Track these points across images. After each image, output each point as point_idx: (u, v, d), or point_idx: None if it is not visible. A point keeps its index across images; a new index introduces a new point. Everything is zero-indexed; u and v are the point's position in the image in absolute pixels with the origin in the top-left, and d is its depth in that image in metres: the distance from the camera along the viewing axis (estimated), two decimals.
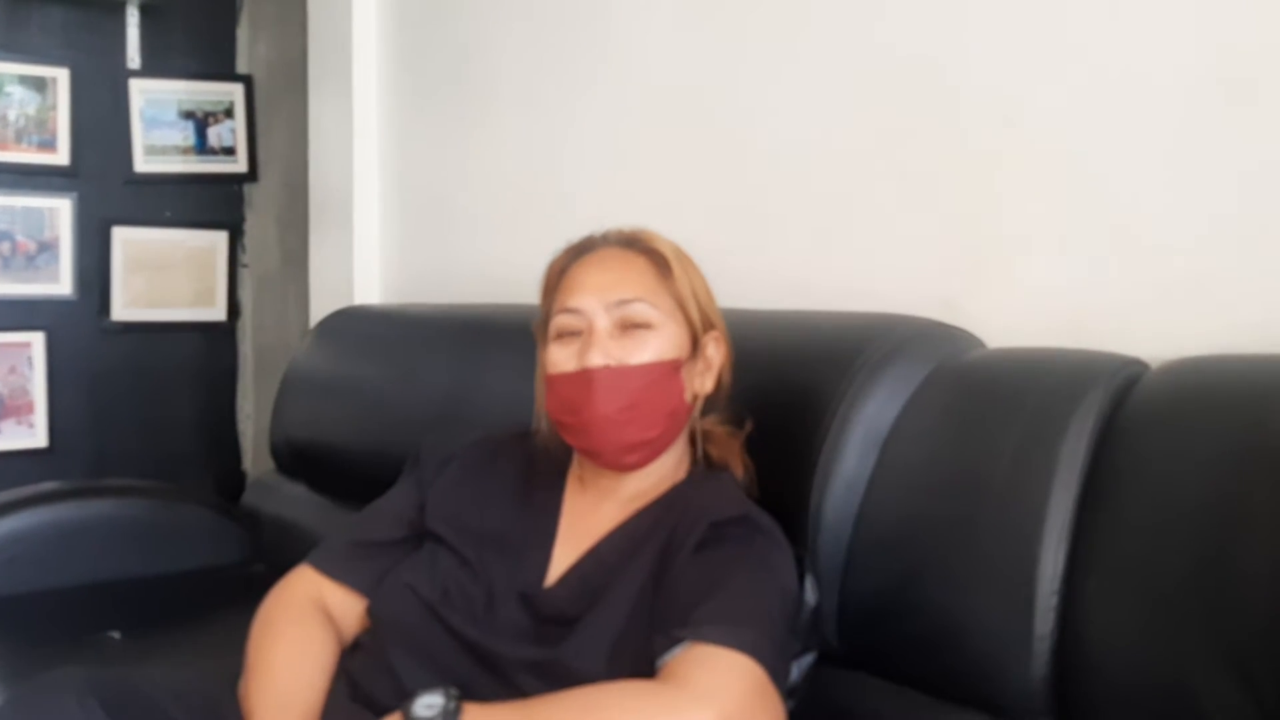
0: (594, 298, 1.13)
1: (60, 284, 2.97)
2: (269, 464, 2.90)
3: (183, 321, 3.17)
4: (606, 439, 1.12)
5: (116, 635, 1.85)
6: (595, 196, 2.01)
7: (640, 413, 1.11)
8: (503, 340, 1.84)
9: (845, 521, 1.18)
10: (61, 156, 2.95)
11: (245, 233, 3.26)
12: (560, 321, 1.15)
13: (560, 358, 1.14)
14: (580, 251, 1.20)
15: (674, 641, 0.96)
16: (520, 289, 1.99)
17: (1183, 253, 1.18)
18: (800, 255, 1.59)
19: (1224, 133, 1.14)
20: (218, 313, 3.22)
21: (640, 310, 1.13)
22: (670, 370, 1.13)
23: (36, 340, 2.93)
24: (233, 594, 2.17)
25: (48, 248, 2.95)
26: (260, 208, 3.26)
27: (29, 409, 2.93)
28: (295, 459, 2.34)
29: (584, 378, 1.10)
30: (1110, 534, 0.98)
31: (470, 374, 1.87)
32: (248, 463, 3.29)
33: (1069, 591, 0.99)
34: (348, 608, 1.21)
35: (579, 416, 1.11)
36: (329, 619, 1.19)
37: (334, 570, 1.22)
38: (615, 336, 1.12)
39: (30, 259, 2.93)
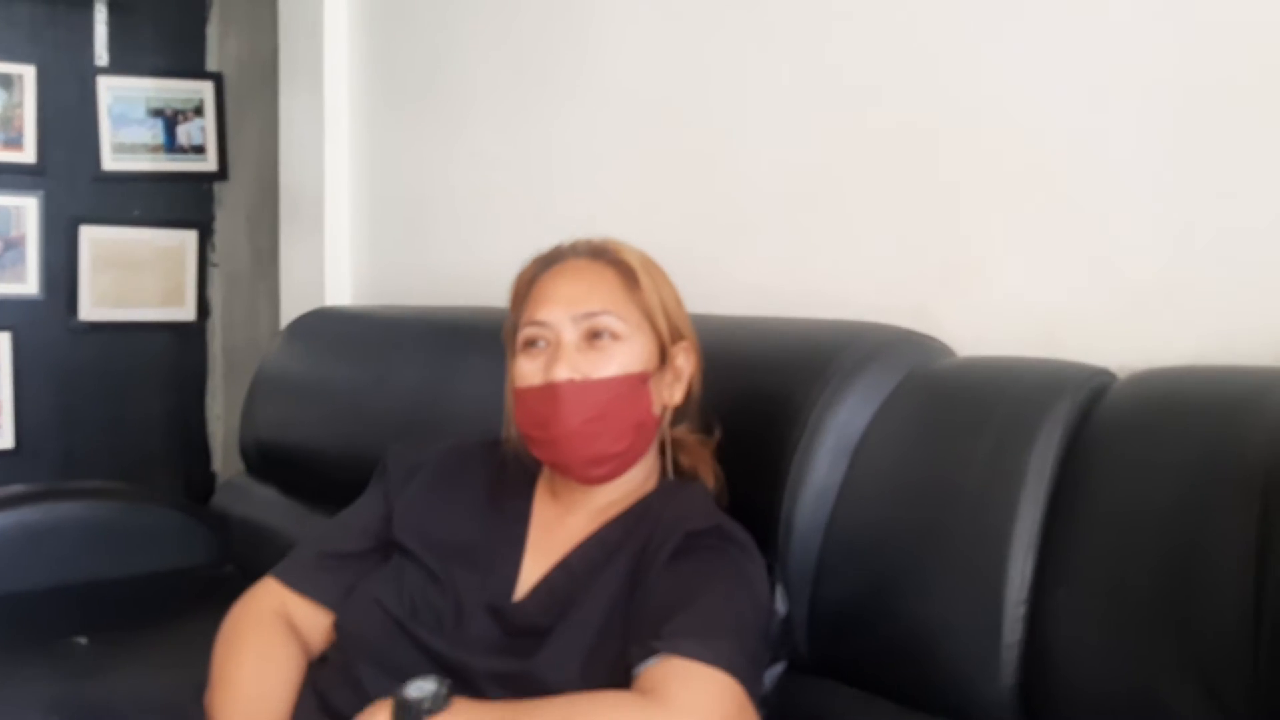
0: (561, 310, 1.13)
1: (27, 283, 2.94)
2: (239, 465, 2.88)
3: (151, 321, 3.14)
4: (574, 453, 1.11)
5: (84, 640, 1.83)
6: (568, 201, 2.01)
7: (607, 425, 1.11)
8: (474, 343, 1.84)
9: (816, 530, 1.18)
10: (28, 154, 2.92)
11: (215, 232, 3.24)
12: (528, 333, 1.15)
13: (528, 370, 1.13)
14: (548, 262, 1.19)
15: (649, 652, 0.96)
16: (492, 291, 1.98)
17: (1152, 264, 1.19)
18: (773, 263, 1.59)
19: (1194, 144, 1.15)
20: (187, 312, 3.19)
21: (607, 322, 1.13)
22: (637, 383, 1.13)
23: (2, 340, 2.90)
24: (201, 596, 2.15)
25: (14, 246, 2.92)
26: (230, 207, 3.24)
27: None
28: (265, 461, 2.32)
29: (550, 392, 1.10)
30: (1078, 543, 0.99)
31: (441, 377, 1.86)
32: (217, 464, 3.27)
33: (1037, 600, 1.00)
34: (314, 621, 1.20)
35: (546, 431, 1.11)
36: (294, 632, 1.18)
37: (299, 583, 1.21)
38: (582, 349, 1.12)
39: None
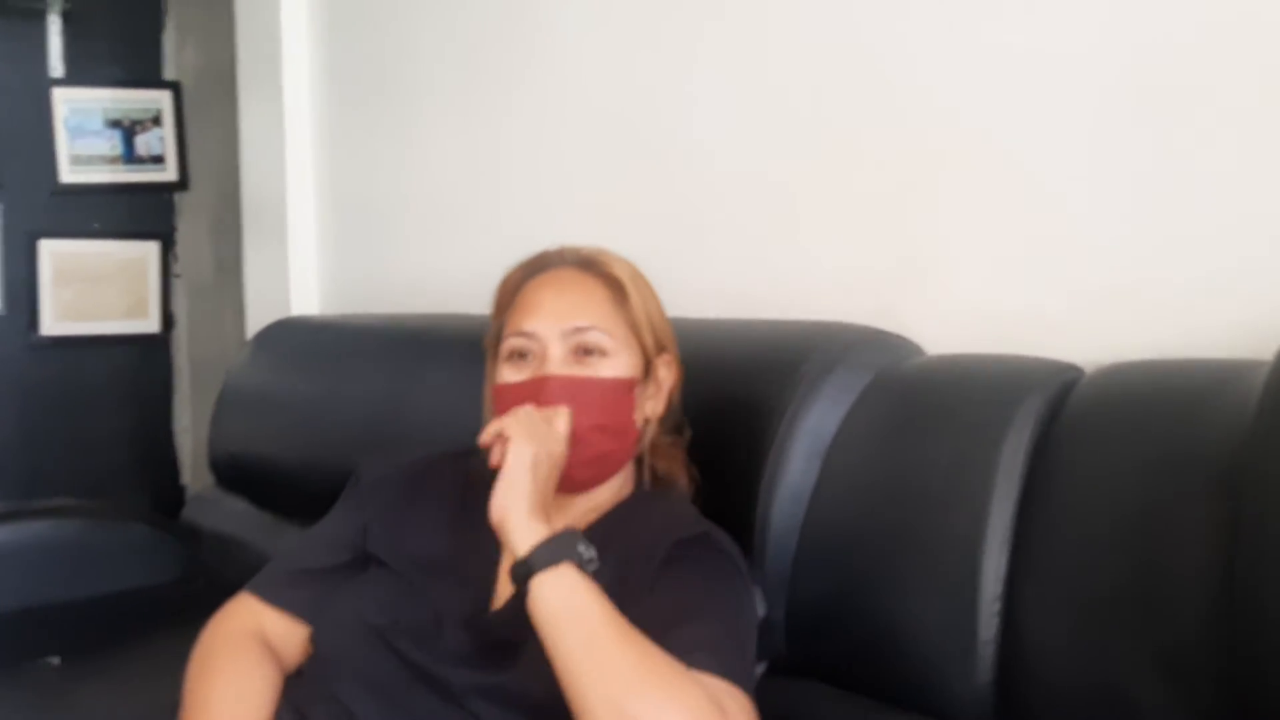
0: (549, 324, 1.12)
1: None
2: (208, 478, 2.85)
3: (115, 335, 3.10)
4: None
5: (55, 661, 1.81)
6: (529, 206, 2.00)
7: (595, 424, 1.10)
8: (438, 352, 1.83)
9: (791, 531, 1.19)
10: None
11: (177, 243, 3.20)
12: (514, 344, 1.14)
13: (512, 376, 1.13)
14: (535, 269, 1.19)
15: None
16: (456, 299, 1.99)
17: (1114, 259, 1.20)
18: (733, 264, 1.59)
19: (1153, 141, 1.17)
20: (151, 324, 3.16)
21: (595, 339, 1.12)
22: (626, 387, 1.13)
23: None
24: (173, 612, 2.13)
25: None
26: (192, 217, 3.21)
27: None
28: (235, 473, 2.30)
29: (538, 384, 1.10)
30: (1048, 539, 1.00)
31: (405, 386, 1.85)
32: (186, 477, 3.24)
33: (1011, 597, 1.01)
34: (290, 636, 1.19)
35: None
36: (269, 650, 1.17)
37: (274, 597, 1.20)
38: (568, 363, 1.12)
39: None
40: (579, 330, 1.12)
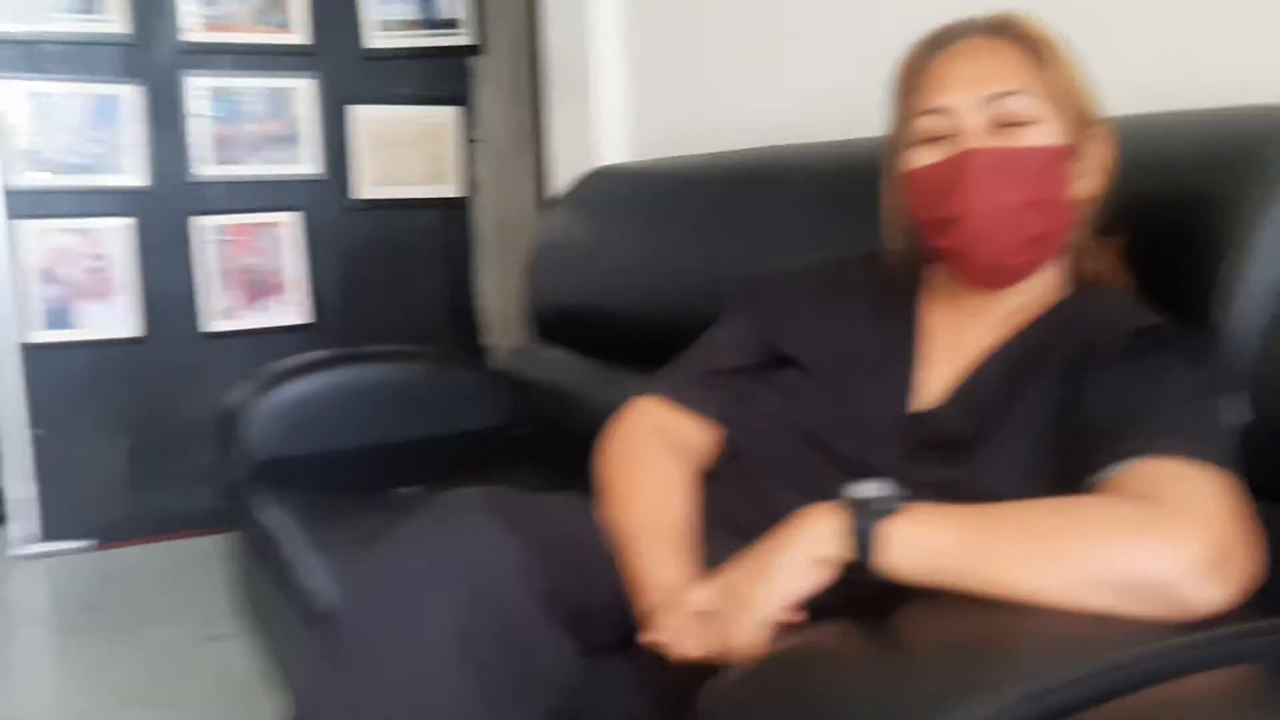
0: (963, 93, 1.00)
1: (308, 164, 3.02)
2: (509, 337, 2.91)
3: (420, 198, 3.19)
4: (988, 235, 0.99)
5: (412, 491, 1.88)
6: (867, 13, 1.85)
7: (1025, 201, 0.99)
8: (772, 187, 1.74)
9: (1253, 340, 1.04)
10: (299, 35, 2.98)
11: (476, 108, 3.24)
12: (923, 124, 1.02)
13: (926, 156, 1.03)
14: (939, 44, 1.06)
15: (1118, 456, 0.85)
16: (786, 130, 1.88)
17: None
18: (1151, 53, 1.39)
19: None
20: (453, 189, 3.23)
21: (1019, 105, 0.99)
22: (1060, 157, 1.00)
23: (292, 220, 3.00)
24: (505, 455, 2.19)
25: (294, 128, 3.00)
26: (490, 80, 3.23)
27: (288, 287, 3.02)
28: (553, 324, 2.32)
29: (959, 162, 0.98)
30: None
31: (740, 225, 1.78)
32: (487, 335, 3.33)
33: None
34: (700, 437, 1.15)
35: (952, 207, 0.99)
36: (682, 449, 1.14)
37: (687, 400, 1.16)
38: (990, 136, 0.99)
39: (277, 140, 2.99)
40: (999, 97, 0.99)
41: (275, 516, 1.87)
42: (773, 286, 1.20)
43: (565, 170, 2.63)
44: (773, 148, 1.87)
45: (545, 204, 2.41)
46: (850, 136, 1.65)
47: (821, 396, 1.07)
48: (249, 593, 2.12)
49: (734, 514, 1.05)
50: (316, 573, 1.59)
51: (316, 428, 2.14)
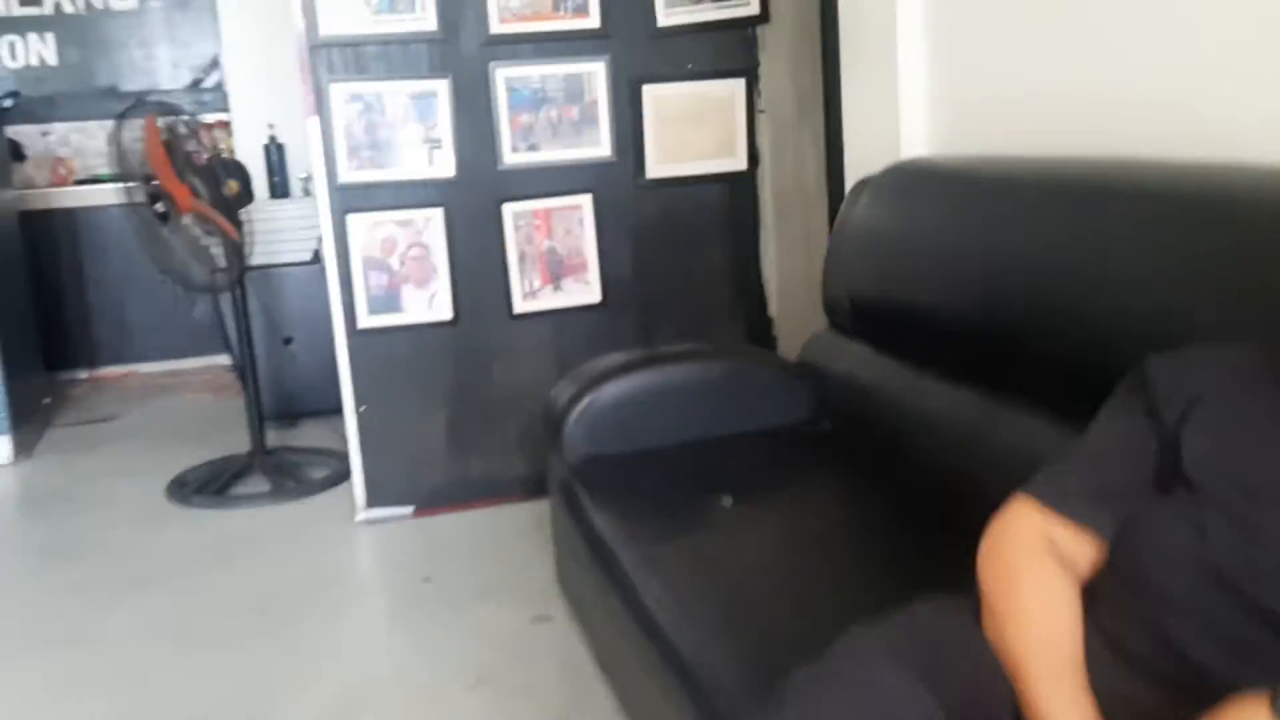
0: None
1: (601, 146, 3.10)
2: (792, 309, 2.89)
3: (707, 174, 3.21)
4: None
5: (728, 501, 1.94)
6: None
7: None
8: (1119, 203, 1.63)
9: None
10: (593, 19, 3.03)
11: (760, 78, 3.22)
12: None
13: None
14: None
15: None
16: (1131, 129, 1.74)
17: None
18: None
19: None
20: (738, 162, 3.23)
21: None
22: None
23: (586, 202, 3.10)
24: (807, 452, 2.22)
25: (588, 111, 3.08)
26: (772, 50, 3.20)
27: (584, 267, 3.13)
28: (855, 318, 2.31)
29: None
30: None
31: (1076, 240, 1.67)
32: (773, 308, 3.35)
33: None
34: (1083, 551, 1.11)
35: None
36: (1068, 563, 1.11)
37: (1074, 513, 1.11)
38: None
39: (574, 124, 3.07)
40: None
41: (603, 521, 1.98)
42: (1178, 390, 1.09)
43: (861, 147, 2.57)
44: (1134, 161, 1.71)
45: (853, 191, 2.36)
46: (1210, 156, 1.53)
47: (1234, 534, 0.99)
48: (576, 588, 2.25)
49: (1118, 634, 1.02)
50: (652, 592, 1.68)
51: (630, 428, 2.24)
